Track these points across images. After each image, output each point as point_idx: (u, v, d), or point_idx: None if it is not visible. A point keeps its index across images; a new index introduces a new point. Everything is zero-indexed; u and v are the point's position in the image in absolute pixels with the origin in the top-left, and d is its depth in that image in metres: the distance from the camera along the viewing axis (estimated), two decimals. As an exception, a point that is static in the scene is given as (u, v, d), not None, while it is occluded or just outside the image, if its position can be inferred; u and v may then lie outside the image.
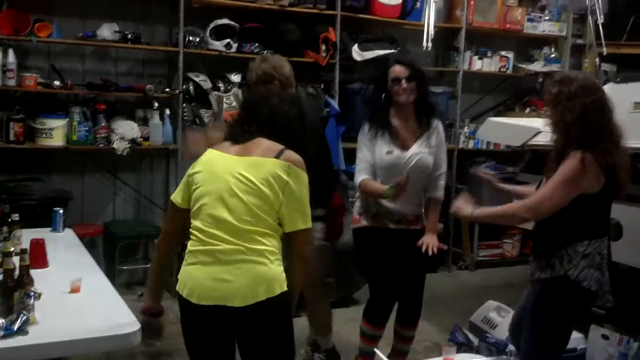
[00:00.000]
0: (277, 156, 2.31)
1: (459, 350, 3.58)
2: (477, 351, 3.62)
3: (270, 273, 2.26)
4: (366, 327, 3.59)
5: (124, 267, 5.22)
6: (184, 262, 2.34)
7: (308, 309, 3.82)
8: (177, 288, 2.32)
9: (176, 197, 2.42)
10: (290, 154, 2.34)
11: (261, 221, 2.27)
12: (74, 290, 2.65)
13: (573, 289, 2.59)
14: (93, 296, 2.65)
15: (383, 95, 3.42)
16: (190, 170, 2.40)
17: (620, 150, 2.58)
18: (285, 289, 2.29)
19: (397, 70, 3.36)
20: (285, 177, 2.29)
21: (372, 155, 3.36)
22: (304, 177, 2.35)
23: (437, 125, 3.49)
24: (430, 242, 3.36)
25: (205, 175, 2.35)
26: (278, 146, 2.35)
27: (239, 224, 2.25)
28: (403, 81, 3.33)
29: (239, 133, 2.42)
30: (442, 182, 3.51)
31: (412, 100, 3.37)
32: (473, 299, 4.55)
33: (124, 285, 5.18)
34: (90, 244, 4.46)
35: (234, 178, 2.28)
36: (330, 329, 3.89)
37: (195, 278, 2.28)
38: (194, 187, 2.35)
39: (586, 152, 2.51)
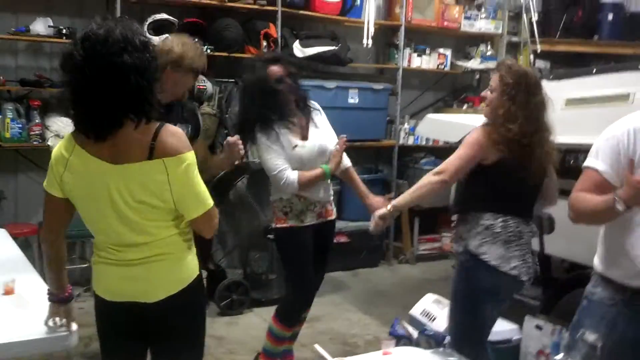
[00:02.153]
0: (150, 155, 2.01)
1: (398, 343, 3.65)
2: (417, 344, 3.68)
3: (179, 264, 2.19)
4: (278, 327, 3.48)
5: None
6: (94, 257, 2.25)
7: None
8: (92, 284, 2.28)
9: (51, 189, 2.13)
10: (162, 142, 2.02)
11: (157, 229, 2.12)
12: (8, 292, 2.59)
13: (476, 261, 2.76)
14: (27, 298, 2.58)
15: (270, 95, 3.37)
16: (56, 167, 2.09)
17: (539, 134, 2.75)
18: (197, 272, 2.25)
19: (276, 70, 3.38)
20: (165, 178, 2.03)
21: (283, 151, 3.32)
22: (185, 158, 2.04)
23: (314, 105, 3.54)
24: (380, 201, 3.26)
25: (79, 183, 2.08)
26: (145, 135, 2.02)
27: (135, 234, 2.12)
28: (287, 79, 3.38)
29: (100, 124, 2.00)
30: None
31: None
32: (413, 292, 4.61)
33: (61, 285, 5.06)
34: (24, 244, 4.33)
35: (116, 195, 2.05)
36: None
37: (107, 277, 2.22)
38: (68, 190, 2.11)
39: (490, 125, 2.77)
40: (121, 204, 2.05)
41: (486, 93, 2.83)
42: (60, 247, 2.25)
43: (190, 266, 2.23)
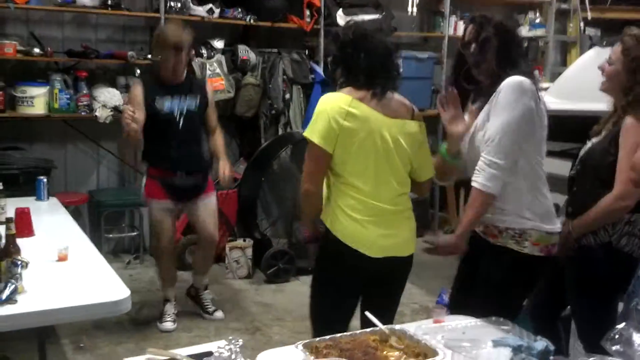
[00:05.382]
0: (412, 115, 2.47)
1: (446, 313, 3.63)
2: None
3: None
4: None
5: (110, 236, 5.22)
6: (348, 215, 2.40)
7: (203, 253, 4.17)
8: (344, 240, 2.40)
9: (326, 144, 2.35)
10: (415, 108, 2.51)
11: (407, 182, 2.50)
12: (62, 258, 2.63)
13: (616, 256, 2.51)
14: (80, 264, 2.64)
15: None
16: (334, 119, 2.33)
17: None
18: None
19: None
20: (420, 138, 2.49)
21: None
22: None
23: None
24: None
25: (359, 132, 2.34)
26: (406, 101, 2.49)
27: (399, 186, 2.44)
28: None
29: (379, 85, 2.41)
30: None
31: None
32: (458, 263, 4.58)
33: (111, 252, 5.18)
34: (75, 213, 4.42)
35: (392, 142, 2.38)
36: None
37: (370, 233, 2.40)
38: (345, 140, 2.34)
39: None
40: (393, 152, 2.39)
41: (604, 65, 2.59)
42: (320, 197, 2.49)
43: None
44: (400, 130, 2.41)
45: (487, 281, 2.46)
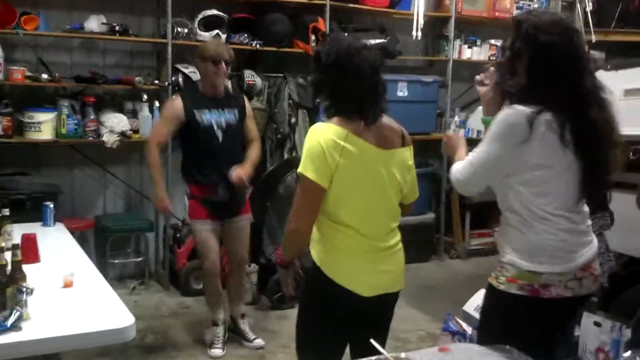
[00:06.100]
0: (403, 142, 2.40)
1: (452, 340, 3.59)
2: (471, 340, 3.63)
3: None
4: None
5: (116, 261, 5.21)
6: (341, 250, 2.32)
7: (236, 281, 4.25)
8: (334, 279, 2.31)
9: (322, 180, 2.23)
10: (403, 131, 2.43)
11: (398, 214, 2.44)
12: (67, 285, 2.64)
13: None
14: (86, 291, 2.64)
15: None
16: (330, 156, 2.21)
17: None
18: None
19: None
20: (411, 164, 2.44)
21: None
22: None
23: None
24: None
25: (356, 168, 2.25)
26: (394, 124, 2.40)
27: (391, 221, 2.40)
28: None
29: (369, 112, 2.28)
30: None
31: None
32: (465, 287, 4.53)
33: (116, 278, 5.17)
34: (81, 238, 4.43)
35: (386, 176, 2.32)
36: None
37: (363, 270, 2.34)
38: (341, 177, 2.23)
39: None
40: (387, 187, 2.33)
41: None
42: (309, 237, 2.37)
43: None
44: (393, 162, 2.34)
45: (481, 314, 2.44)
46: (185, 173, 4.05)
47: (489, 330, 2.34)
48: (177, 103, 3.95)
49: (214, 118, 3.93)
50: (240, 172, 3.89)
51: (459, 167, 2.32)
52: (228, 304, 4.30)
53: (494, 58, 6.59)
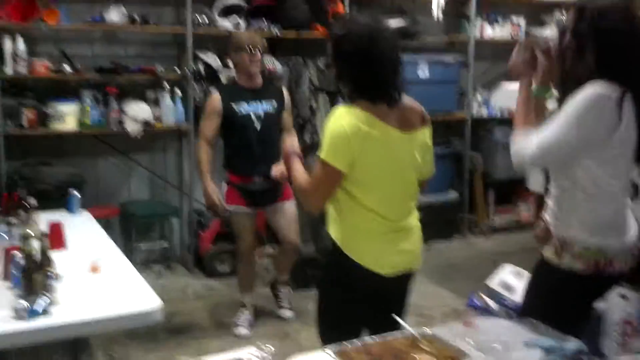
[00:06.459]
0: (423, 122, 2.38)
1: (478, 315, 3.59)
2: (495, 315, 3.62)
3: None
4: None
5: (142, 246, 5.27)
6: (360, 235, 2.33)
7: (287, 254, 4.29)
8: (356, 259, 2.31)
9: (341, 164, 2.21)
10: (424, 110, 2.41)
11: (417, 194, 2.46)
12: (94, 270, 2.68)
13: None
14: (113, 275, 2.68)
15: None
16: (353, 140, 2.19)
17: None
18: None
19: None
20: (430, 143, 2.42)
21: None
22: None
23: None
24: None
25: (380, 152, 2.24)
26: (415, 103, 2.39)
27: (411, 201, 2.42)
28: None
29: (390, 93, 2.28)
30: None
31: None
32: (489, 264, 4.52)
33: (142, 263, 5.23)
34: (106, 225, 4.47)
35: (408, 159, 2.33)
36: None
37: (384, 251, 2.34)
38: (365, 161, 2.22)
39: None
40: (409, 169, 2.34)
41: None
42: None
43: None
44: (415, 144, 2.34)
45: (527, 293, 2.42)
46: (225, 161, 4.14)
47: (537, 307, 2.30)
48: (215, 98, 4.02)
49: (251, 109, 4.00)
50: (282, 169, 3.89)
51: (535, 142, 2.13)
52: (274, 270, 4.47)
53: (516, 36, 6.53)
